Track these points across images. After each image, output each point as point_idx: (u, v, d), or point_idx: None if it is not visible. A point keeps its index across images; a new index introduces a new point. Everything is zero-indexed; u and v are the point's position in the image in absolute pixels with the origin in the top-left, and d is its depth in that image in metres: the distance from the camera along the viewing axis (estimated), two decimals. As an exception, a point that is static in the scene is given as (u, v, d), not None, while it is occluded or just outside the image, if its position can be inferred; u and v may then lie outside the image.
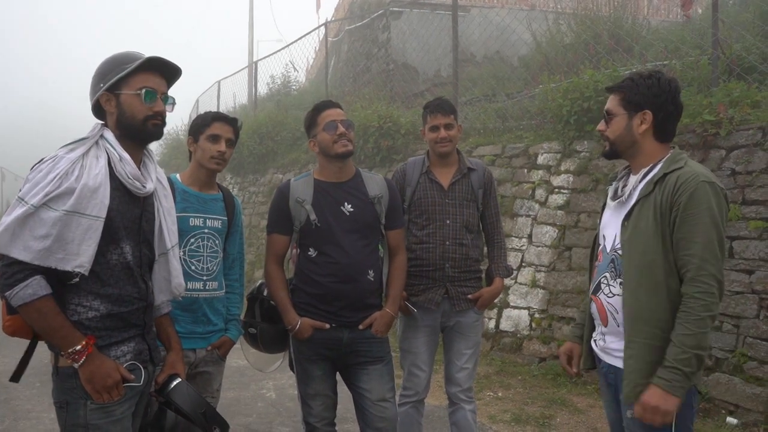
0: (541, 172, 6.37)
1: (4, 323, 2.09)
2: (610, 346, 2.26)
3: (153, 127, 2.12)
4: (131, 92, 2.07)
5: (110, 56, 2.14)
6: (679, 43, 6.90)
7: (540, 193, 6.30)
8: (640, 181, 2.22)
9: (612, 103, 2.29)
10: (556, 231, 6.03)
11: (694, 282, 2.03)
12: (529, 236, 6.25)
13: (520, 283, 6.16)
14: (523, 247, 6.26)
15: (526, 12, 10.27)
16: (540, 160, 6.44)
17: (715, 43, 5.63)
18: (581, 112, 5.99)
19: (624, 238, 2.18)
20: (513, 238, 6.33)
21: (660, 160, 2.21)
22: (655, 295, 2.09)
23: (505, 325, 6.11)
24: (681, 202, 2.05)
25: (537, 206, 6.29)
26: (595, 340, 2.39)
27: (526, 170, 6.54)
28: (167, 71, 2.17)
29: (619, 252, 2.21)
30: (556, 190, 6.16)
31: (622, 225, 2.20)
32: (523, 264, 6.21)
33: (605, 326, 2.27)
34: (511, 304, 6.14)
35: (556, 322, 5.71)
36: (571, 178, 6.07)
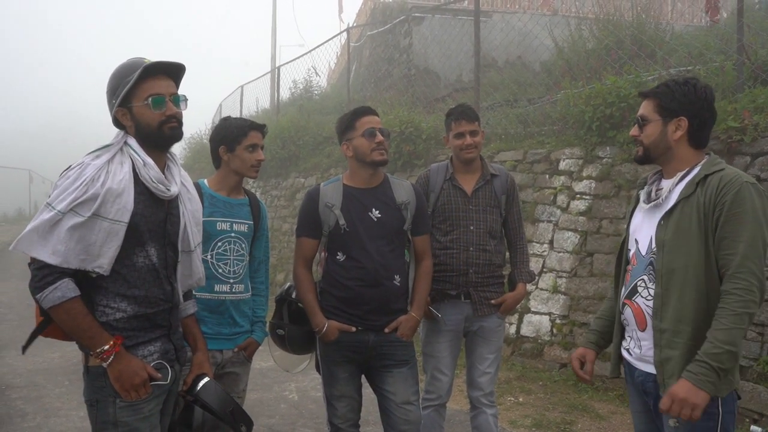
0: (562, 177, 6.37)
1: (37, 324, 2.16)
2: (648, 353, 2.22)
3: (170, 130, 2.16)
4: (140, 103, 2.12)
5: (115, 69, 2.18)
6: (703, 48, 6.84)
7: (562, 198, 6.30)
8: (676, 184, 2.21)
9: (646, 108, 2.28)
10: (578, 237, 6.02)
11: (733, 278, 2.01)
12: (551, 242, 6.25)
13: (542, 289, 6.15)
14: (545, 253, 6.26)
15: (548, 17, 10.25)
16: (562, 165, 6.43)
17: (740, 48, 5.59)
18: (603, 118, 5.98)
19: (664, 239, 2.17)
20: (534, 243, 6.32)
21: (696, 165, 2.22)
22: (696, 296, 2.09)
23: (526, 330, 6.11)
24: (725, 201, 2.05)
25: (558, 212, 6.28)
26: (627, 349, 2.35)
27: (547, 176, 6.53)
28: (171, 71, 2.20)
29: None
30: (578, 195, 6.15)
31: (659, 225, 2.19)
32: (545, 270, 6.20)
33: (642, 330, 2.25)
34: (532, 309, 6.13)
35: (578, 328, 5.69)
36: (593, 184, 6.06)
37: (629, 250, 2.38)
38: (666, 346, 2.13)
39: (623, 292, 2.36)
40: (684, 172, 2.22)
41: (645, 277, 2.25)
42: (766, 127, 4.82)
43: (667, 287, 2.15)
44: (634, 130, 2.33)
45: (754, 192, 2.06)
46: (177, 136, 2.20)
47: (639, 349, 2.27)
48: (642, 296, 2.26)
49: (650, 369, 2.21)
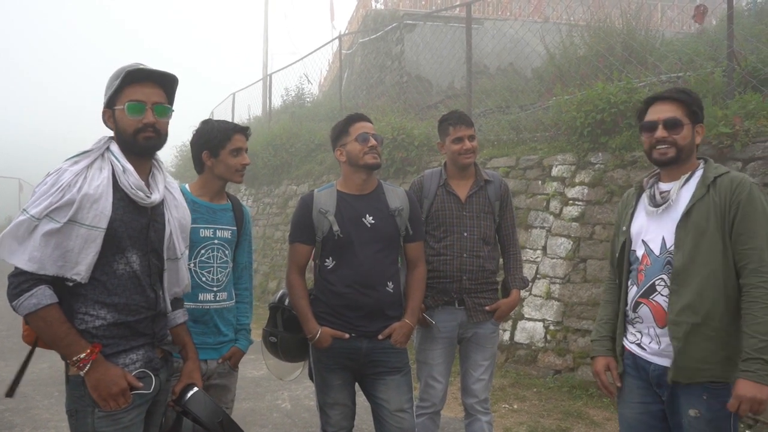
0: (555, 183, 6.38)
1: (23, 332, 2.14)
2: (669, 349, 2.30)
3: (144, 140, 2.10)
4: (120, 107, 2.09)
5: (114, 71, 2.16)
6: (694, 55, 6.89)
7: (554, 204, 6.30)
8: (681, 186, 2.34)
9: (677, 112, 2.37)
10: (571, 243, 6.02)
11: (757, 273, 2.15)
12: (544, 248, 6.25)
13: (535, 295, 6.14)
14: (538, 259, 6.26)
15: (540, 24, 10.31)
16: (554, 171, 6.45)
17: (730, 54, 5.63)
18: (595, 124, 6.00)
19: (684, 240, 2.27)
20: (527, 249, 6.32)
21: (697, 168, 2.38)
22: (716, 292, 2.22)
23: (519, 337, 6.09)
24: (740, 200, 2.21)
25: (551, 218, 6.28)
26: (638, 344, 2.42)
27: (540, 182, 6.54)
28: (162, 80, 2.17)
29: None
30: (571, 201, 6.16)
31: (678, 226, 2.29)
32: (538, 276, 6.20)
33: (662, 327, 2.32)
34: (526, 316, 6.12)
35: (571, 335, 5.68)
36: (585, 190, 6.07)
37: (634, 251, 2.46)
38: (684, 338, 2.23)
39: (635, 291, 2.43)
40: (687, 175, 2.36)
41: (664, 276, 2.34)
42: (756, 132, 4.86)
43: (688, 283, 2.25)
44: (661, 132, 2.37)
45: (761, 193, 2.24)
46: (152, 146, 2.14)
47: (657, 345, 2.35)
48: (662, 295, 2.34)
49: (668, 363, 2.30)
